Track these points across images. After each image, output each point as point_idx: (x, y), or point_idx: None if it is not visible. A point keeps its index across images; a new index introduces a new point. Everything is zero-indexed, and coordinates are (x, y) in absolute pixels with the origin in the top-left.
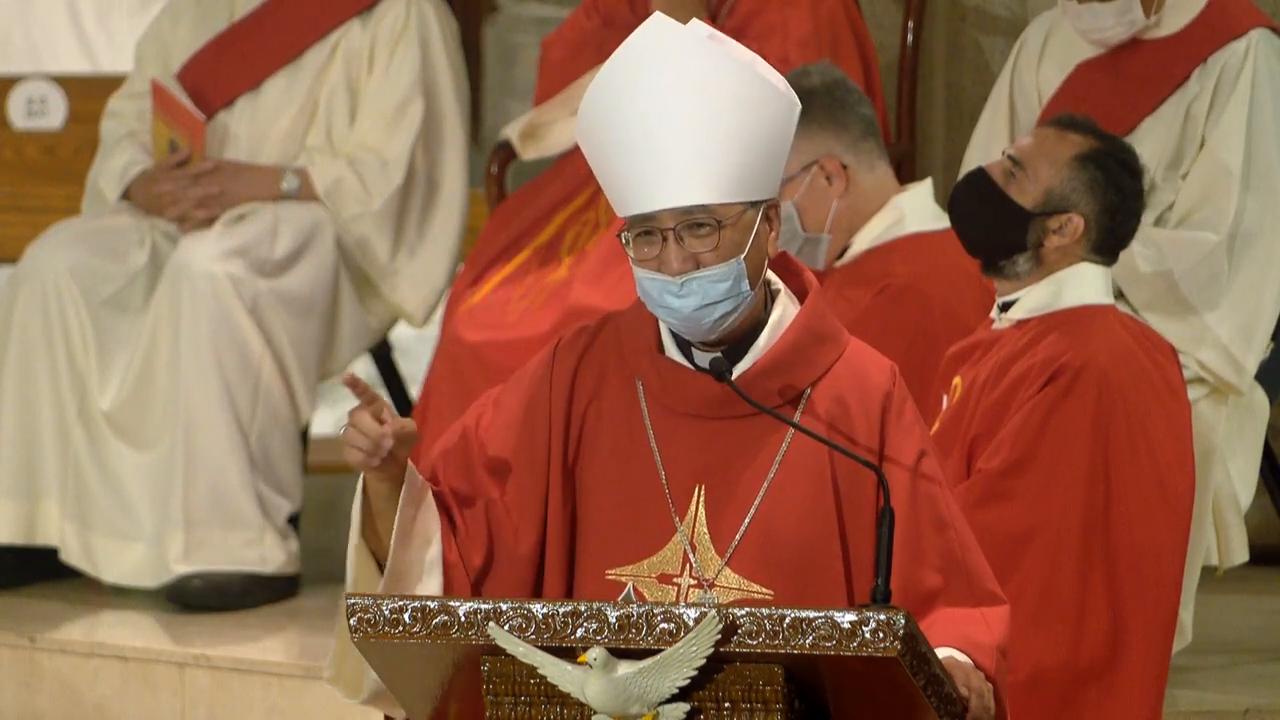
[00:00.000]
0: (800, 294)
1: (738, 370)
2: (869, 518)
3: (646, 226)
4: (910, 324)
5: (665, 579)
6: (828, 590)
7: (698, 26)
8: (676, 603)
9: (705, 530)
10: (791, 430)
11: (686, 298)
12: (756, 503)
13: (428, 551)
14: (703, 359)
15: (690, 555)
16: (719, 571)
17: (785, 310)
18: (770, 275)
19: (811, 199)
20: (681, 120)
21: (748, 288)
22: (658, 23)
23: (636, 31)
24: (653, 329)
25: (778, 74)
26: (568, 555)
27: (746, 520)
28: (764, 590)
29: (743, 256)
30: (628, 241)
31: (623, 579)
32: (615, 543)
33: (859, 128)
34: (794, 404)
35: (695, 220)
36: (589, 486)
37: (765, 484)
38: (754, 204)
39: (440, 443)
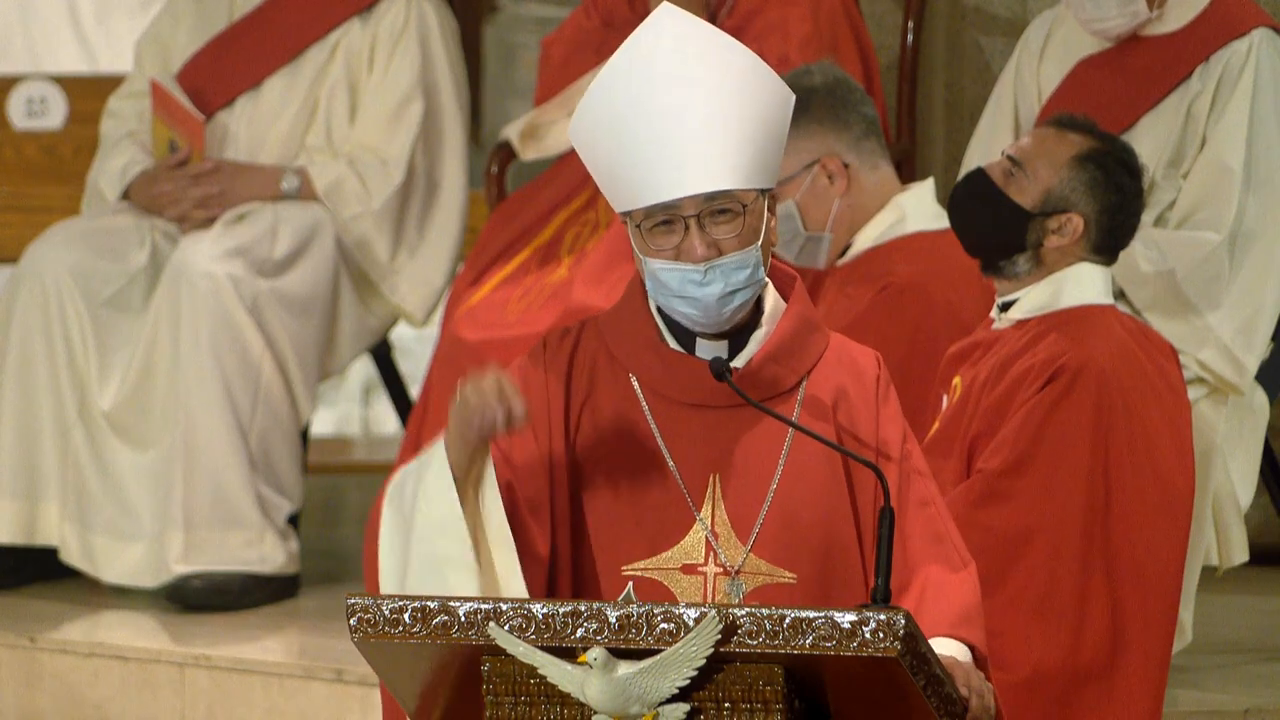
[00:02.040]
0: (780, 285)
1: (742, 359)
2: (874, 497)
3: (666, 216)
4: (911, 323)
5: (689, 570)
6: (848, 572)
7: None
8: (704, 596)
9: (726, 518)
10: (797, 413)
11: (709, 285)
12: (773, 486)
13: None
14: (704, 349)
15: (713, 544)
16: (744, 558)
17: (775, 300)
18: None
19: (813, 198)
20: (702, 107)
21: (763, 275)
22: (668, 12)
23: (645, 22)
24: (649, 323)
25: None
26: (571, 553)
27: (766, 505)
28: (789, 574)
29: (760, 243)
30: (640, 234)
31: (641, 574)
32: (630, 538)
33: (861, 127)
34: (793, 392)
35: (719, 207)
36: (594, 486)
37: (779, 468)
38: (763, 191)
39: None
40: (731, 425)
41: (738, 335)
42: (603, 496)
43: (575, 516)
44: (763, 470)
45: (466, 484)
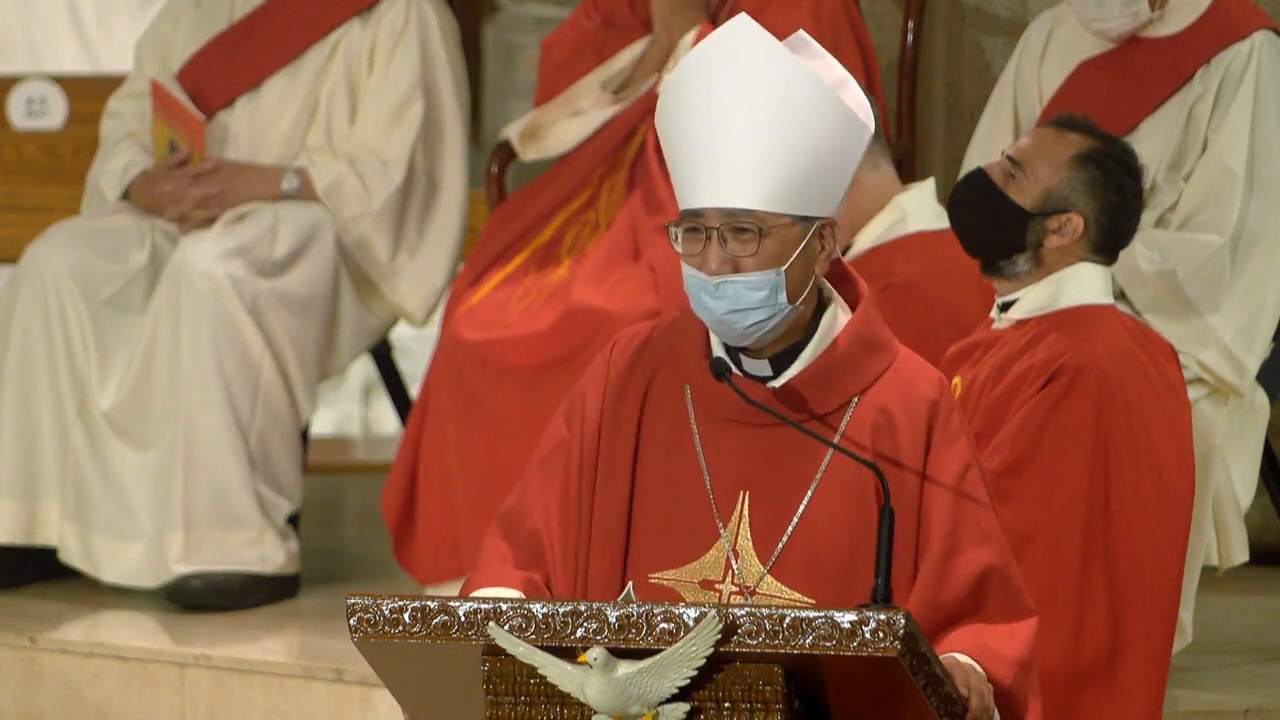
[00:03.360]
0: (852, 301)
1: (784, 377)
2: (910, 527)
3: (694, 223)
4: (912, 323)
5: (707, 585)
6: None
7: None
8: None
9: (748, 537)
10: (839, 435)
11: (720, 300)
12: (800, 511)
13: None
14: (751, 366)
15: (733, 562)
16: (760, 579)
17: (836, 318)
18: (823, 283)
19: None
20: (743, 123)
21: (784, 300)
22: (742, 24)
23: (720, 29)
24: (702, 334)
25: (865, 99)
26: (622, 557)
27: (790, 528)
28: (805, 599)
29: (784, 268)
30: (675, 236)
31: (666, 583)
32: (660, 547)
33: None
34: (840, 412)
35: (739, 224)
36: (641, 489)
37: (809, 492)
38: (805, 219)
39: (532, 483)
40: (769, 444)
41: (786, 352)
42: (645, 501)
43: (628, 518)
44: (793, 492)
45: None
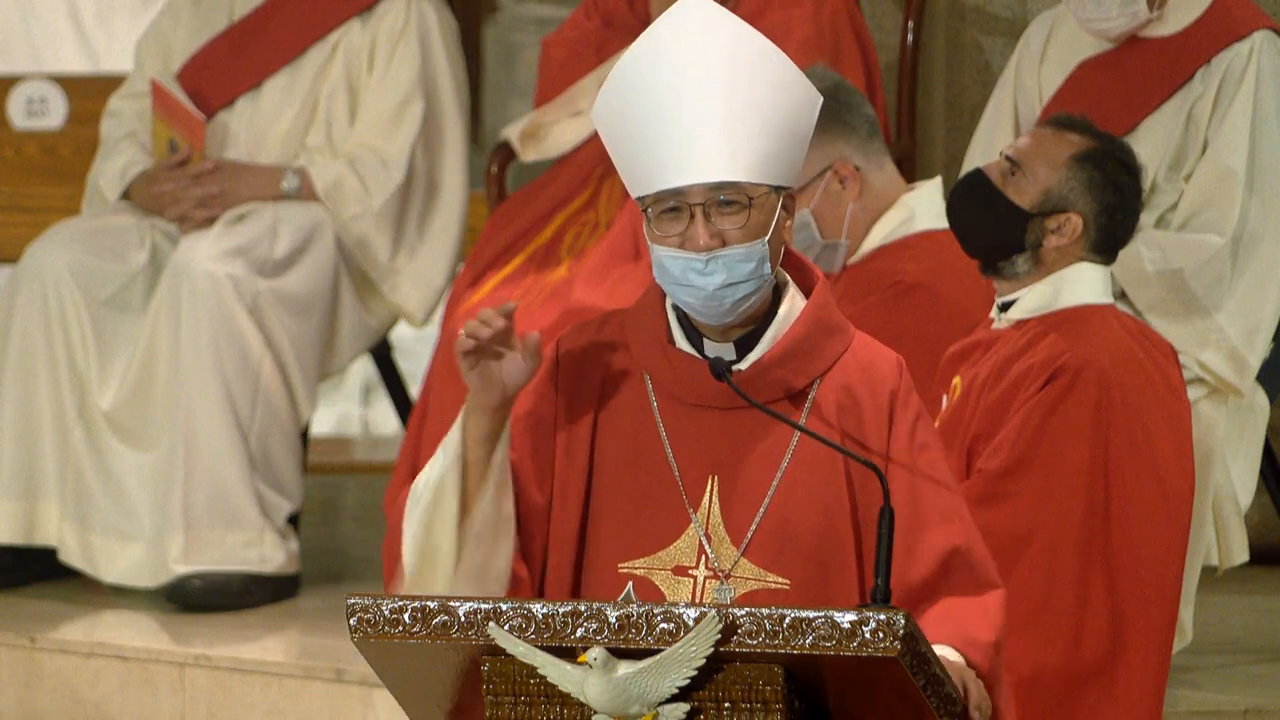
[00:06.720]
0: (806, 287)
1: (747, 361)
2: (879, 505)
3: (674, 202)
4: (920, 321)
5: (680, 571)
6: (845, 579)
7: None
8: (693, 598)
9: (720, 521)
10: (804, 417)
11: (711, 275)
12: (770, 492)
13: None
14: (713, 350)
15: (706, 547)
16: (735, 562)
17: (794, 303)
18: (779, 270)
19: (827, 204)
20: (717, 96)
21: (769, 271)
22: (699, 2)
23: (673, 8)
24: (661, 321)
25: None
26: (576, 549)
27: (761, 510)
28: (781, 580)
29: (766, 239)
30: (649, 220)
31: (636, 571)
32: (628, 536)
33: (865, 129)
34: (803, 395)
35: (725, 197)
36: (602, 480)
37: (779, 473)
38: (777, 189)
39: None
40: (736, 428)
41: (747, 336)
42: (607, 491)
43: (583, 510)
44: (762, 474)
45: (482, 442)
